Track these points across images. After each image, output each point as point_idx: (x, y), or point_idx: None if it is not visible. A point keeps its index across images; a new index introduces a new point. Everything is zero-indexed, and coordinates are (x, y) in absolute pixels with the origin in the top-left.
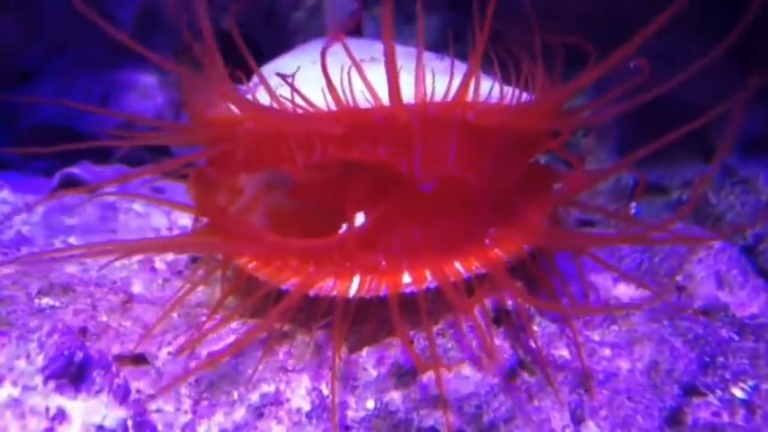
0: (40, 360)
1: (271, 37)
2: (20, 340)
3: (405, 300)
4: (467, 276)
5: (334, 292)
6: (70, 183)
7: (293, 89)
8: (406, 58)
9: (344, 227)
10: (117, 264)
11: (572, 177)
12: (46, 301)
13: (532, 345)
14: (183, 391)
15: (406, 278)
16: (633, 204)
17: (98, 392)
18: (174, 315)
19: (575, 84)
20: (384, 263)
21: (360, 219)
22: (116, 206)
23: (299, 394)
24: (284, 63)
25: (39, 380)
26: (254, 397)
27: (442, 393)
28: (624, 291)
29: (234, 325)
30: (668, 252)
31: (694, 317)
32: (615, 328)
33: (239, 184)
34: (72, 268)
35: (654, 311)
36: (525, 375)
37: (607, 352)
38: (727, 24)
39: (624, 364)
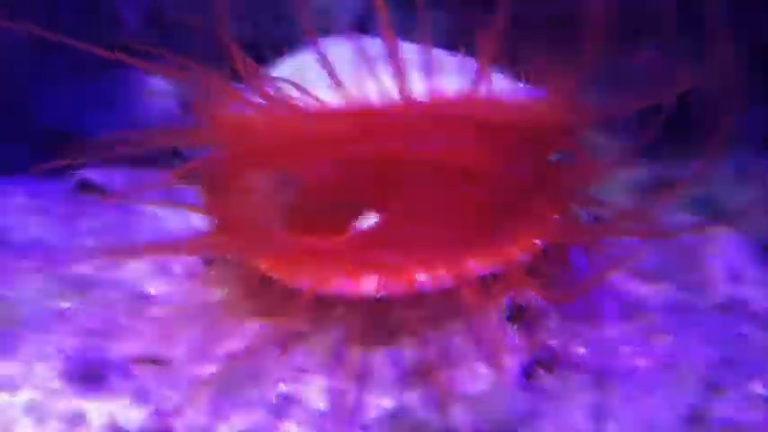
0: (57, 363)
1: (281, 36)
2: (37, 343)
3: (420, 298)
4: (482, 274)
5: (349, 291)
6: (84, 185)
7: (301, 90)
8: (418, 56)
9: (358, 225)
10: (132, 265)
11: (583, 168)
12: (62, 303)
13: (549, 343)
14: (202, 391)
15: (421, 276)
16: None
17: (116, 394)
18: (191, 316)
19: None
20: (398, 261)
21: (372, 217)
22: (132, 209)
23: (317, 394)
24: (296, 62)
25: (57, 383)
26: (273, 397)
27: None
28: (641, 287)
29: (249, 325)
30: (685, 248)
31: (713, 313)
32: (633, 325)
33: (251, 184)
34: (87, 270)
35: (672, 308)
36: (542, 373)
37: (626, 349)
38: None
39: (643, 362)
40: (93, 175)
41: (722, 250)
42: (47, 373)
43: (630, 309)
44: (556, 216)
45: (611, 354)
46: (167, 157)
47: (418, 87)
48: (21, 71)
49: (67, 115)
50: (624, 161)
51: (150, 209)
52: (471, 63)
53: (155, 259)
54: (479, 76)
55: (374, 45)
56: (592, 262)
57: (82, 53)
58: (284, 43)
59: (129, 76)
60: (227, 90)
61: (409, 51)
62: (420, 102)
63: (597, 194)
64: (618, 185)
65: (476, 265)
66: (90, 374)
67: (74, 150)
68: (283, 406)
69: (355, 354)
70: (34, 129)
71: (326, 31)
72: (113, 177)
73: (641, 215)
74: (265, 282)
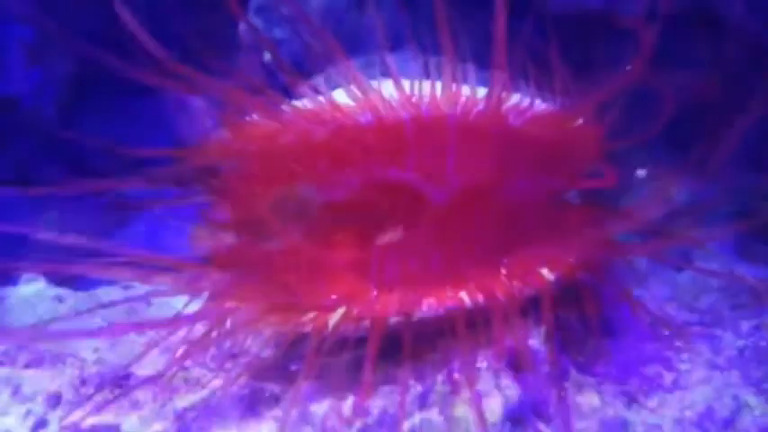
0: (86, 378)
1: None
2: (66, 358)
3: (448, 315)
4: (511, 290)
5: (376, 308)
6: (118, 202)
7: (332, 105)
8: (445, 72)
9: (385, 241)
10: (160, 281)
11: (614, 183)
12: (91, 319)
13: (578, 359)
14: (228, 409)
15: (448, 294)
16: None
17: (144, 410)
18: (219, 333)
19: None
20: (424, 279)
21: (399, 233)
22: (164, 225)
23: (343, 412)
24: (326, 80)
25: (85, 398)
26: (295, 413)
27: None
28: (675, 302)
29: (274, 341)
30: (723, 263)
31: (753, 331)
32: (665, 342)
33: (278, 198)
34: (116, 286)
35: (708, 325)
36: (571, 390)
37: (656, 367)
38: None
39: (674, 380)
40: (129, 191)
41: (762, 266)
42: (72, 385)
43: (663, 326)
44: (587, 232)
45: (641, 371)
46: (204, 175)
47: (446, 102)
48: (65, 92)
49: (109, 133)
50: (658, 175)
51: (180, 225)
52: (500, 77)
53: (183, 275)
54: (507, 89)
55: (401, 63)
56: (623, 278)
57: (125, 73)
58: (317, 64)
59: (170, 96)
60: (259, 107)
61: (437, 67)
62: (447, 116)
63: (629, 210)
64: (651, 199)
65: (505, 282)
66: (115, 387)
67: (114, 169)
68: (306, 422)
69: (381, 371)
70: (75, 146)
71: (356, 52)
72: (150, 194)
73: (674, 230)
74: (292, 298)
